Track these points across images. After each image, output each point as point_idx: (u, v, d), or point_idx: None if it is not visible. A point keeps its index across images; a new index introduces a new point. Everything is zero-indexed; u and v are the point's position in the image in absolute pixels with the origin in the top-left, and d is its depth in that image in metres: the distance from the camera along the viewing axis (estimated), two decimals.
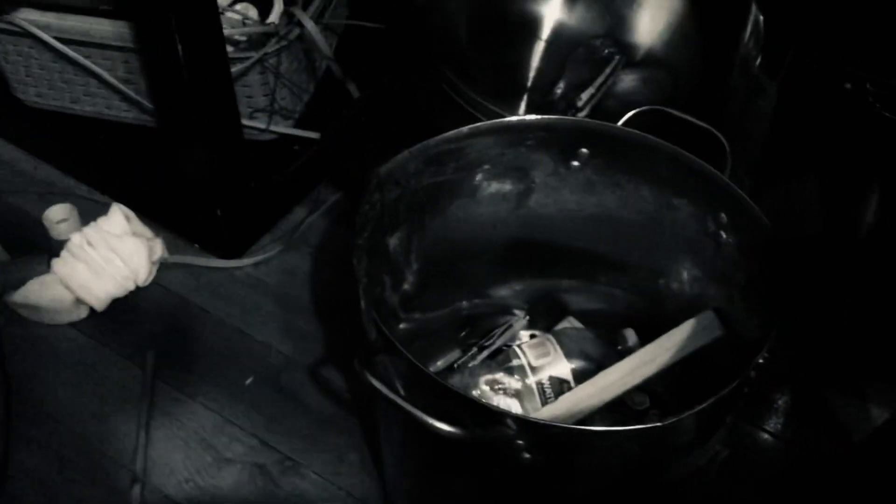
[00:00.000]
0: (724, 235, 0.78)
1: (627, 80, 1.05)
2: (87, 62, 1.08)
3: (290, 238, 1.14)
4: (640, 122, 0.83)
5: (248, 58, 1.06)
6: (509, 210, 0.88)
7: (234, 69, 1.04)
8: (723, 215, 0.78)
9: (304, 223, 1.16)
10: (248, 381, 1.00)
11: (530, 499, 0.71)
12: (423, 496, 0.83)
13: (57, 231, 1.08)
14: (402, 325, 0.90)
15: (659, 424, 0.61)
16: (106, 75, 1.09)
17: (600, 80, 1.03)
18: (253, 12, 1.12)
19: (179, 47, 0.91)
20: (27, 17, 1.06)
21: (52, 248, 1.06)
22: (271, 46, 1.07)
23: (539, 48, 1.06)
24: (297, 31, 1.10)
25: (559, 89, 1.04)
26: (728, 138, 0.81)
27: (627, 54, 1.04)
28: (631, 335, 0.91)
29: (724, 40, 0.97)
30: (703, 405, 0.61)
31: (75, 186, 1.20)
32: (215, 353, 1.03)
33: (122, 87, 1.10)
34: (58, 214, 1.08)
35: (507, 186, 0.86)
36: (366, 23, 1.23)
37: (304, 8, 1.11)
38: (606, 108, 1.02)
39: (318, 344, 1.04)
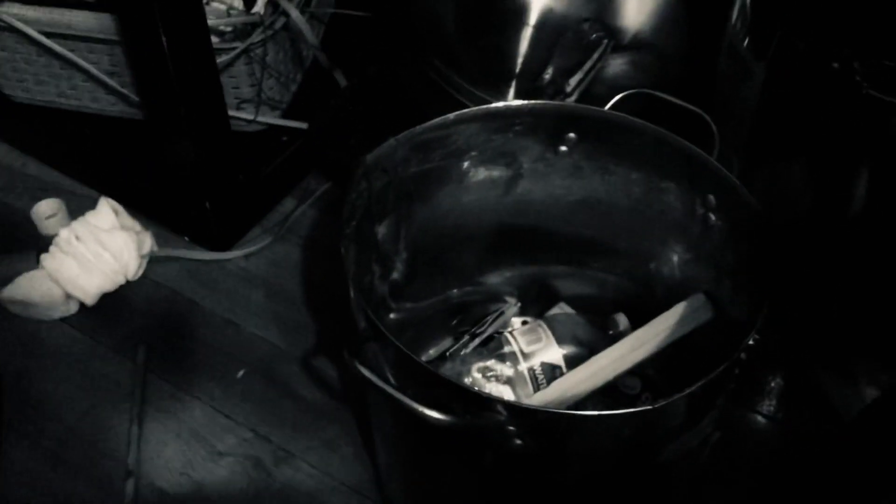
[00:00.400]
0: (713, 218, 0.78)
1: (616, 65, 1.04)
2: (71, 56, 1.08)
3: (280, 229, 1.14)
4: (627, 105, 0.83)
5: (233, 48, 1.05)
6: (498, 197, 0.88)
7: (220, 60, 1.03)
8: (711, 197, 0.78)
9: (294, 214, 1.15)
10: (240, 373, 1.00)
11: (523, 484, 0.70)
12: (417, 484, 0.83)
13: (45, 226, 1.07)
14: (392, 315, 0.90)
15: (650, 407, 0.61)
16: (91, 69, 1.08)
17: (588, 64, 1.02)
18: (238, 2, 1.12)
19: (164, 39, 0.90)
20: (10, 11, 1.05)
21: (40, 243, 1.06)
22: (257, 36, 1.06)
23: (527, 34, 1.05)
24: (282, 21, 1.09)
25: (547, 75, 1.04)
26: (716, 120, 0.80)
27: (615, 38, 1.03)
28: (622, 320, 0.91)
29: (711, 23, 0.97)
30: (694, 387, 0.61)
31: (63, 181, 1.19)
32: (207, 345, 1.03)
33: (107, 80, 1.09)
34: (46, 210, 1.08)
35: (495, 173, 0.86)
36: (352, 11, 1.23)
37: None
38: (595, 92, 1.02)
39: (310, 335, 1.04)
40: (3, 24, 1.06)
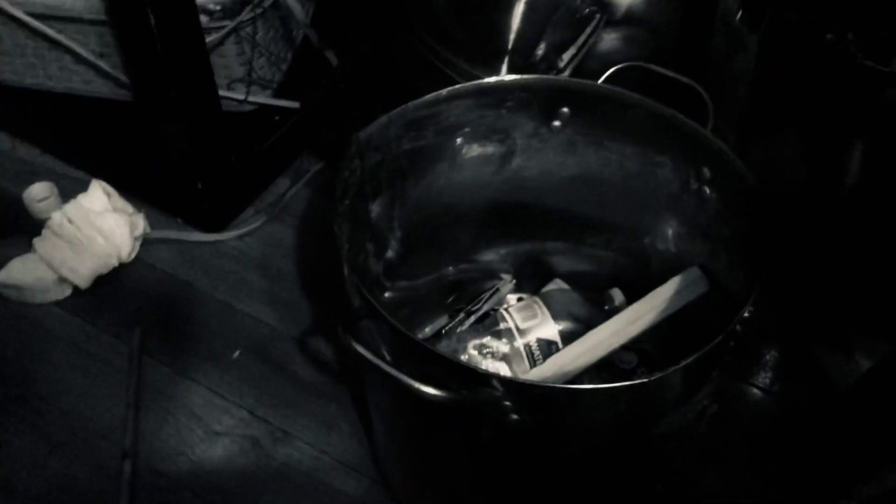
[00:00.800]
0: (708, 191, 0.78)
1: (609, 40, 1.03)
2: (60, 37, 1.07)
3: (274, 209, 1.13)
4: (621, 80, 0.83)
5: (222, 27, 1.04)
6: (492, 173, 0.88)
7: (209, 39, 1.02)
8: (705, 170, 0.78)
9: (288, 194, 1.15)
10: (236, 354, 1.00)
11: (519, 460, 0.71)
12: (413, 462, 0.83)
13: (37, 210, 1.06)
14: (387, 294, 0.89)
15: (645, 381, 0.61)
16: (80, 50, 1.07)
17: (581, 39, 1.02)
18: None
19: (152, 18, 0.90)
20: None
21: (33, 227, 1.05)
22: (246, 15, 1.06)
23: (519, 9, 1.05)
24: None
25: (540, 50, 1.03)
26: (710, 93, 0.80)
27: (608, 13, 1.03)
28: (618, 295, 0.91)
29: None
30: (688, 360, 0.61)
31: (54, 164, 1.19)
32: (202, 326, 1.02)
33: (96, 61, 1.08)
34: (38, 193, 1.07)
35: (488, 149, 0.86)
36: None
37: None
38: (588, 67, 1.01)
39: (305, 314, 1.04)
40: None
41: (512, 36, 1.05)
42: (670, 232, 0.86)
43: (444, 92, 0.79)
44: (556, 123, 0.83)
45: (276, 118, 1.15)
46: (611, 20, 1.03)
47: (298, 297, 1.05)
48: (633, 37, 1.04)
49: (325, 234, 0.88)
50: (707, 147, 0.76)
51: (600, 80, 0.82)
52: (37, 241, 1.03)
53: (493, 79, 0.81)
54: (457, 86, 0.80)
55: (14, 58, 1.13)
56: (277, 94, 1.16)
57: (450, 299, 0.98)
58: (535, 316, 0.90)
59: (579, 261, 0.96)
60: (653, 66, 0.83)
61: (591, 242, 0.93)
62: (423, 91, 0.79)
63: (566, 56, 1.01)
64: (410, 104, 0.78)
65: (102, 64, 1.08)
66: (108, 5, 1.00)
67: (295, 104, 1.15)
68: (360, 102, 1.12)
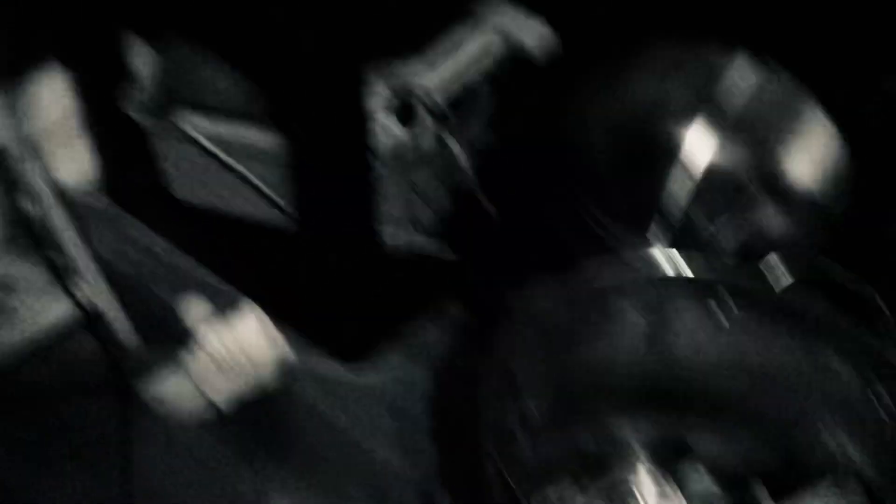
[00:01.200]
0: (876, 401, 0.74)
1: (773, 217, 1.01)
2: (233, 163, 1.11)
3: (415, 351, 1.14)
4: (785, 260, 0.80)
5: (387, 169, 1.07)
6: (643, 348, 0.86)
7: (374, 179, 1.05)
8: (874, 376, 0.74)
9: (430, 337, 1.15)
10: (360, 494, 0.99)
11: None
12: None
13: (190, 324, 1.10)
14: (520, 453, 0.87)
15: None
16: (251, 177, 1.12)
17: (744, 214, 1.00)
18: (395, 124, 1.14)
19: (324, 158, 0.93)
20: (191, 121, 1.11)
21: (183, 340, 1.08)
22: (412, 159, 1.08)
23: (682, 179, 1.04)
24: (439, 146, 1.11)
25: (701, 222, 1.01)
26: (885, 288, 0.76)
27: (777, 190, 1.01)
28: (761, 491, 0.86)
29: (882, 184, 0.93)
30: None
31: (212, 280, 1.22)
32: (329, 462, 1.02)
33: (265, 189, 1.12)
34: (192, 307, 1.10)
35: (642, 325, 0.84)
36: (509, 143, 1.23)
37: (449, 123, 1.12)
38: (750, 245, 0.99)
39: (432, 463, 1.02)
40: (183, 134, 1.12)
41: (672, 204, 1.05)
42: (827, 433, 0.81)
43: (603, 267, 0.79)
44: (716, 308, 0.81)
45: (429, 262, 1.16)
46: (773, 194, 1.01)
47: (428, 445, 1.04)
48: (800, 217, 1.01)
49: (463, 383, 0.88)
50: (877, 356, 0.72)
51: (761, 264, 0.80)
52: (185, 356, 1.06)
53: (654, 255, 0.81)
54: (619, 262, 0.80)
55: (186, 175, 1.19)
56: (433, 239, 1.17)
57: (580, 465, 0.95)
58: (667, 497, 0.86)
59: (721, 444, 0.92)
60: (823, 260, 0.80)
61: (736, 427, 0.90)
62: (579, 253, 0.80)
63: (727, 230, 0.99)
64: (570, 276, 0.78)
65: (270, 192, 1.13)
66: (284, 141, 1.05)
67: (449, 251, 1.16)
68: (515, 259, 1.12)
